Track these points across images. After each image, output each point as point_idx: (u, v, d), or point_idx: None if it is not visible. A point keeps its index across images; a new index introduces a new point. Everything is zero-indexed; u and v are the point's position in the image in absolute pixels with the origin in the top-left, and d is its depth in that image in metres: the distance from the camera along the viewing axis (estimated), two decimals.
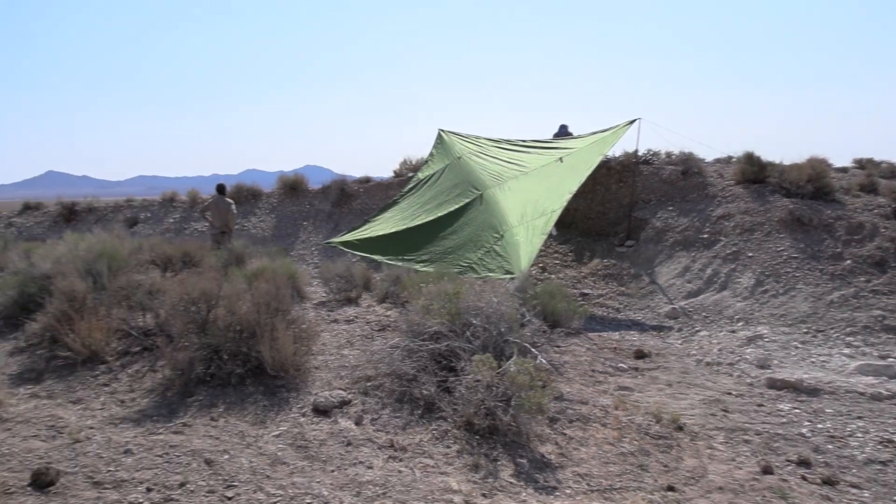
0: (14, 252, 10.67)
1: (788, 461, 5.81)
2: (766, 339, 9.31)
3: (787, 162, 13.66)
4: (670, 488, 5.15)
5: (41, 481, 4.46)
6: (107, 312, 7.58)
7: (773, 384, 7.85)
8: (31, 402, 6.28)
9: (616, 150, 15.20)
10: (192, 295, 6.98)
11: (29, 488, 4.44)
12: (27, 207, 21.39)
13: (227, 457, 5.05)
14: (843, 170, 15.00)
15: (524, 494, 4.85)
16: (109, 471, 4.75)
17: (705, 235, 12.52)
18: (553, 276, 13.18)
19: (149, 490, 4.49)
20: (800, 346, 9.12)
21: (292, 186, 19.11)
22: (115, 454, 5.03)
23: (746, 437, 6.28)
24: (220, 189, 13.90)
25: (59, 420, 5.75)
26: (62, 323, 7.15)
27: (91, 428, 5.58)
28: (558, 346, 8.53)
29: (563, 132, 16.87)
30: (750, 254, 11.51)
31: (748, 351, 9.03)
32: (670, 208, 13.69)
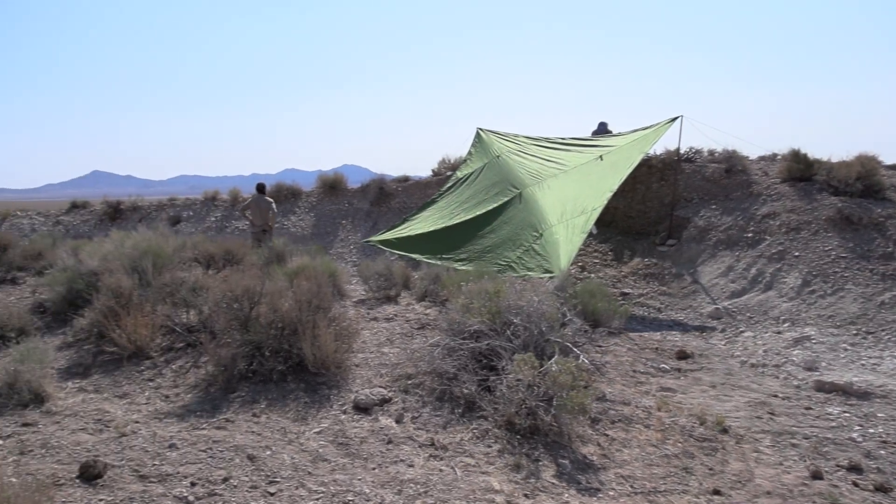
0: (62, 249, 10.91)
1: (839, 466, 5.66)
2: (814, 341, 9.10)
3: (835, 159, 13.34)
4: (716, 492, 5.05)
5: (89, 474, 4.53)
6: (152, 309, 7.70)
7: (822, 387, 7.67)
8: (79, 395, 6.40)
9: (657, 148, 15.03)
10: (235, 292, 7.05)
11: (77, 480, 4.52)
12: (74, 206, 21.87)
13: (269, 453, 5.08)
14: (894, 167, 14.59)
15: (566, 495, 4.79)
16: (154, 465, 4.81)
17: (750, 234, 12.29)
18: (593, 275, 13.06)
19: (193, 484, 4.53)
20: (849, 347, 8.89)
21: (331, 185, 19.23)
22: (159, 448, 5.09)
23: (794, 441, 6.14)
24: (260, 188, 14.05)
25: (105, 414, 5.84)
26: (109, 319, 7.29)
27: (136, 422, 5.66)
28: (599, 346, 8.44)
29: (602, 130, 16.71)
30: (796, 253, 11.27)
31: (795, 352, 8.83)
32: (713, 207, 13.47)
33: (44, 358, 6.54)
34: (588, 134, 16.45)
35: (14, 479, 4.29)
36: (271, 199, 14.07)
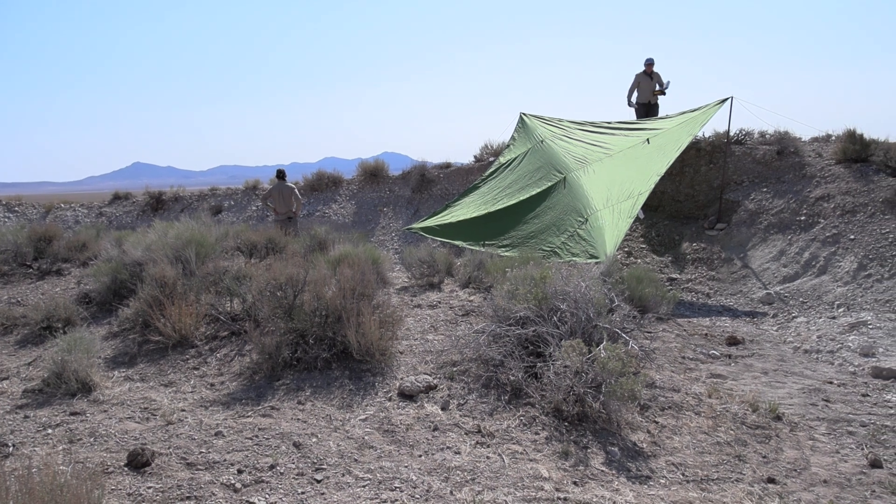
0: (106, 240, 11.09)
1: None
2: (871, 326, 8.80)
3: (892, 139, 12.86)
4: (771, 480, 4.91)
5: (137, 462, 4.57)
6: (196, 298, 7.77)
7: (879, 373, 7.43)
8: (125, 384, 6.49)
9: (706, 130, 14.67)
10: (279, 280, 7.06)
11: (126, 468, 4.56)
12: (117, 197, 22.11)
13: (314, 440, 5.07)
14: None
15: (616, 483, 4.70)
16: (201, 452, 4.83)
17: (802, 217, 11.95)
18: (639, 260, 12.84)
19: (240, 472, 4.54)
20: None
21: (373, 173, 19.19)
22: (206, 436, 5.11)
23: (851, 429, 5.95)
24: (281, 175, 14.00)
25: (152, 402, 5.91)
26: (153, 308, 7.37)
27: (183, 410, 5.71)
28: (648, 332, 8.30)
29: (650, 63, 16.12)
30: (852, 236, 10.91)
31: (850, 338, 8.56)
32: (764, 189, 13.12)
33: (90, 348, 6.63)
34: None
35: (64, 468, 4.34)
36: (294, 185, 13.99)
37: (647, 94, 16.04)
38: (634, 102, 16.20)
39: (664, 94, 16.13)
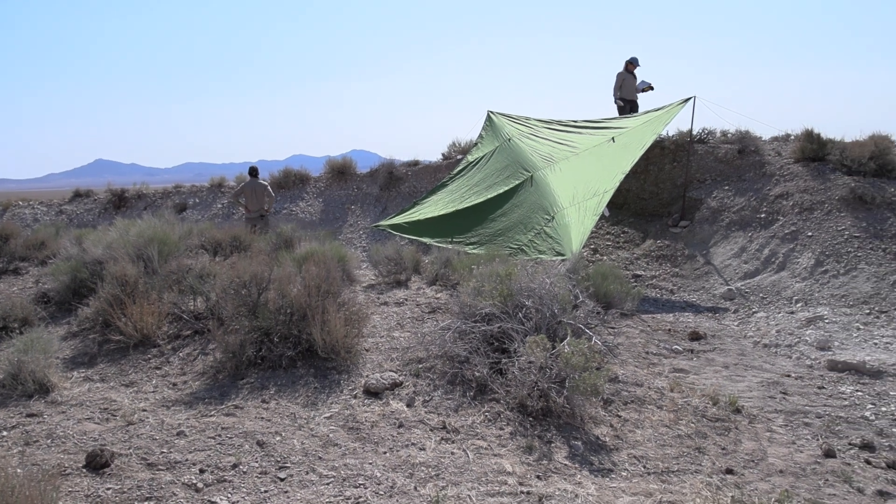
0: (66, 238, 10.92)
1: (851, 445, 5.61)
2: (827, 321, 9.00)
3: (848, 139, 13.14)
4: (729, 471, 5.00)
5: (96, 463, 4.52)
6: (158, 297, 7.69)
7: (834, 366, 7.60)
8: (85, 385, 6.40)
9: (670, 129, 14.84)
10: (243, 278, 7.02)
11: (84, 469, 4.51)
12: (77, 195, 21.69)
13: (279, 438, 5.06)
14: None
15: (579, 476, 4.76)
16: (163, 452, 4.79)
17: (762, 215, 12.16)
18: (605, 257, 12.97)
19: (202, 471, 4.51)
20: (862, 327, 8.79)
21: (340, 170, 19.10)
22: (168, 436, 5.08)
23: (807, 420, 6.08)
24: (253, 172, 13.84)
25: (112, 403, 5.84)
26: (114, 307, 7.29)
27: (144, 410, 5.66)
28: (612, 328, 8.39)
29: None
30: (809, 233, 11.14)
31: (808, 332, 8.74)
32: (726, 188, 13.32)
33: (48, 348, 6.54)
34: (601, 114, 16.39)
35: (19, 471, 4.27)
36: (266, 182, 13.86)
37: (631, 92, 16.25)
38: (620, 99, 16.39)
39: (652, 88, 16.39)
